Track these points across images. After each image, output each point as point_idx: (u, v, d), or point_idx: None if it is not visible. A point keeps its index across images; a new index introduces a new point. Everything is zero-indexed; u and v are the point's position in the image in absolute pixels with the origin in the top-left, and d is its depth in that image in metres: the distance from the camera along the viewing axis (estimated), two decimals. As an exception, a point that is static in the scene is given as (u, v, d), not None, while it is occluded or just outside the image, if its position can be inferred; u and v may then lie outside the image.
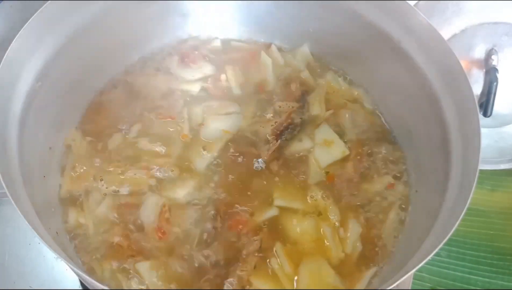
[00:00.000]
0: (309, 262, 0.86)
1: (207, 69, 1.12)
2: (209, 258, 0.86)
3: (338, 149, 0.99)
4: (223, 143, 1.00)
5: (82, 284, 0.97)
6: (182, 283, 0.84)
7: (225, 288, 0.83)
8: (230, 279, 0.83)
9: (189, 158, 0.98)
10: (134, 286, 0.83)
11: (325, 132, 1.01)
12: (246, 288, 0.83)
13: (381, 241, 0.91)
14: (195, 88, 1.09)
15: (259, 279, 0.85)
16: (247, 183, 0.95)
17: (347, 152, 0.99)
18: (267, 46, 1.17)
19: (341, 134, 1.02)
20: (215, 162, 0.98)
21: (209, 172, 0.96)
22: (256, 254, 0.87)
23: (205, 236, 0.88)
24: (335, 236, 0.89)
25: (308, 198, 0.93)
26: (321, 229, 0.90)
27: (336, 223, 0.91)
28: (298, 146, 1.00)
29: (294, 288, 0.84)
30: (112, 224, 0.89)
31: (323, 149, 0.99)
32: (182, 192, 0.93)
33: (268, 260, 0.87)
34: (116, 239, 0.87)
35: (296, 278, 0.85)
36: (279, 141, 0.99)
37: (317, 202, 0.93)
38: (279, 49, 1.16)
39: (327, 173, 0.97)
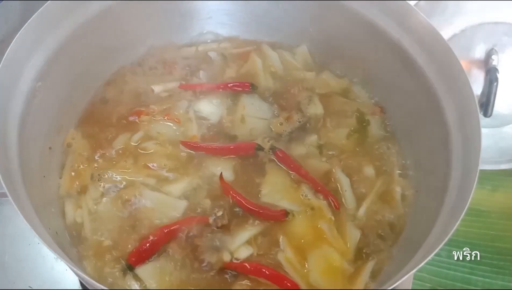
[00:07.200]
0: (315, 251, 0.87)
1: (208, 68, 1.12)
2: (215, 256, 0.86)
3: (318, 163, 0.99)
4: None
5: (82, 284, 0.97)
6: (186, 283, 0.83)
7: (232, 288, 0.83)
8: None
9: (196, 159, 0.98)
10: (133, 286, 0.83)
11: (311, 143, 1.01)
12: (255, 288, 0.83)
13: (381, 242, 0.91)
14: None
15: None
16: (251, 183, 0.95)
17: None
18: (265, 45, 1.16)
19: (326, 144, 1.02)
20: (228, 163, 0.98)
21: (218, 172, 0.96)
22: (261, 251, 0.87)
23: (209, 237, 0.88)
24: (333, 231, 0.89)
25: (302, 196, 0.93)
26: (318, 225, 0.89)
27: (332, 218, 0.91)
28: (296, 150, 1.00)
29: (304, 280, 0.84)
30: (112, 224, 0.89)
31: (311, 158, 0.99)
32: (178, 188, 0.93)
33: (275, 252, 0.86)
34: (116, 239, 0.87)
35: (305, 270, 0.85)
36: (279, 143, 0.99)
37: (310, 201, 0.92)
38: (278, 48, 1.16)
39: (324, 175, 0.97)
